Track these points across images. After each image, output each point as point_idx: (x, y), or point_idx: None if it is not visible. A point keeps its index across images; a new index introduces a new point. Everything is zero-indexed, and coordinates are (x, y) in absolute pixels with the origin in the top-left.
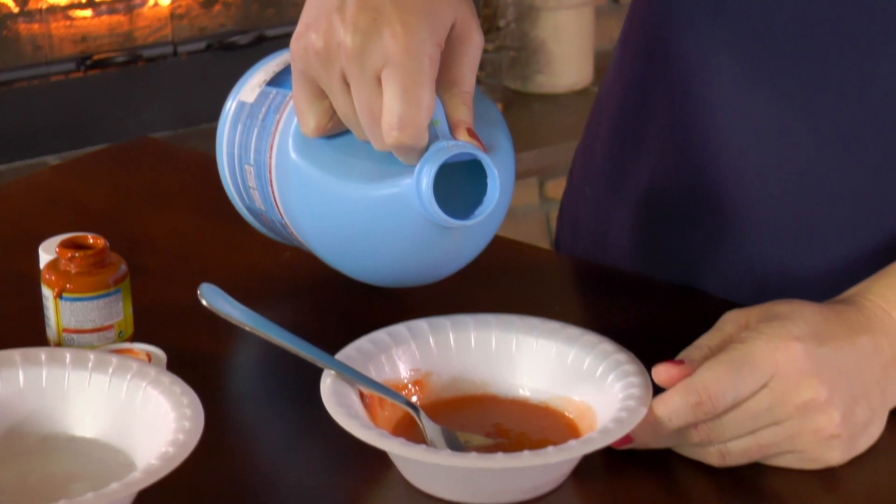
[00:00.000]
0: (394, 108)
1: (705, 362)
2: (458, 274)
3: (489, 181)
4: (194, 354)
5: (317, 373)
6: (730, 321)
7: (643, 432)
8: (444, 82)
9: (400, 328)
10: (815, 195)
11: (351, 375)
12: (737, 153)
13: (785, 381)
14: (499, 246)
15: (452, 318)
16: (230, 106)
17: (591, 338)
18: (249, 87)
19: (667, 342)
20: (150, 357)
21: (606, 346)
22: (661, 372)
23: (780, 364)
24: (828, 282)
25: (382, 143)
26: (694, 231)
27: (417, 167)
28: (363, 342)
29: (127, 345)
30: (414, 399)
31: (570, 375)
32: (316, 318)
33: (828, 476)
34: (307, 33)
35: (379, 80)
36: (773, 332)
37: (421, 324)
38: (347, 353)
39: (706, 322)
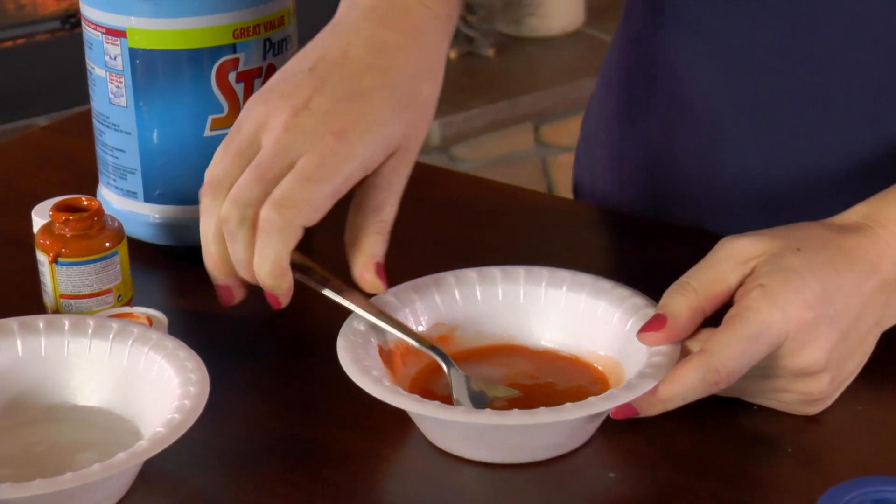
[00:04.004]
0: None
1: (719, 335)
2: (464, 223)
3: None
4: (197, 314)
5: (330, 328)
6: (727, 259)
7: (651, 407)
8: (366, 206)
9: (426, 281)
10: (817, 110)
11: (377, 320)
12: (740, 74)
13: (789, 347)
14: (499, 192)
15: (479, 271)
16: None
17: (621, 291)
18: None
19: None
20: (151, 321)
21: (637, 300)
22: (649, 339)
23: (791, 333)
24: (829, 194)
25: None
26: (702, 149)
27: None
28: (387, 297)
29: (127, 309)
30: None
31: (597, 329)
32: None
33: None
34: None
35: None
36: (787, 299)
37: (447, 277)
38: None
39: None
